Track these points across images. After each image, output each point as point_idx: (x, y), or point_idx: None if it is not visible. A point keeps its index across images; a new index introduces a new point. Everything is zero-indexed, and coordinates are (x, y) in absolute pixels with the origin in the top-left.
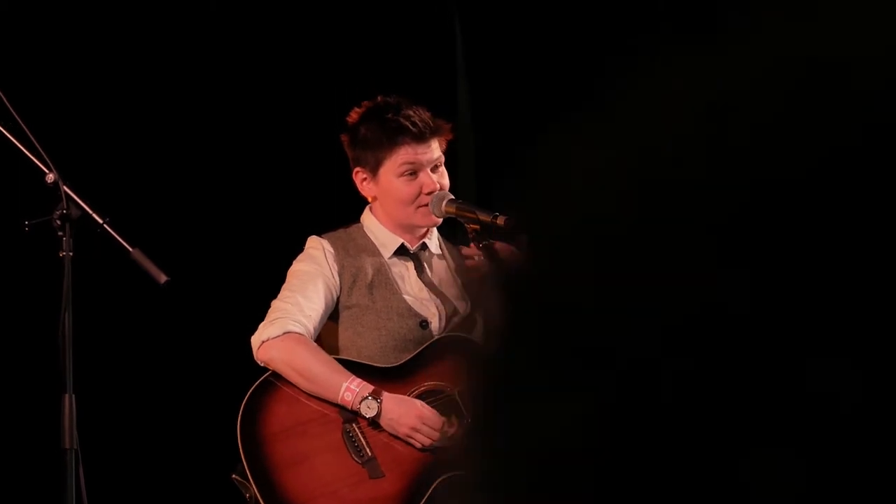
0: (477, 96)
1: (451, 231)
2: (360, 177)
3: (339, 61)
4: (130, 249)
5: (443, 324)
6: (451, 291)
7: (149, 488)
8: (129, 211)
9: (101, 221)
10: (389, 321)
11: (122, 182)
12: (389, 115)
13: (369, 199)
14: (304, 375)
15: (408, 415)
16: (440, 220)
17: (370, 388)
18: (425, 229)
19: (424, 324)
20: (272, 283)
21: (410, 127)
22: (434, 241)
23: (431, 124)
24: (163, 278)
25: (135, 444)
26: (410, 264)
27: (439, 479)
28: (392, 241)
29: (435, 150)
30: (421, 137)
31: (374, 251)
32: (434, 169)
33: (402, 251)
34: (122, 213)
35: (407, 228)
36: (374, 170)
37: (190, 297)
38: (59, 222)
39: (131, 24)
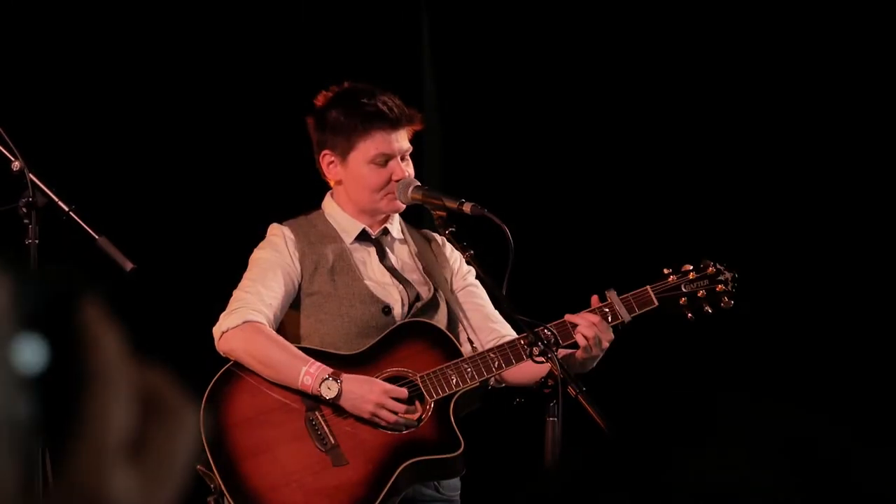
0: (444, 83)
1: (417, 218)
2: (326, 160)
3: (305, 50)
4: (97, 237)
5: (405, 309)
6: (413, 276)
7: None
8: (96, 199)
9: (66, 209)
10: (352, 308)
11: (89, 170)
12: (364, 100)
13: (332, 184)
14: (264, 363)
15: (371, 391)
16: (404, 206)
17: (329, 370)
18: (386, 214)
19: (387, 309)
20: (237, 271)
21: (387, 113)
22: (396, 226)
23: (406, 112)
24: (129, 266)
25: None
26: (372, 249)
27: (403, 465)
28: (353, 226)
29: (405, 139)
30: (396, 125)
31: (336, 237)
32: (402, 158)
33: (363, 236)
34: (88, 202)
35: (369, 213)
36: (343, 154)
37: (157, 285)
38: (24, 210)
39: (93, 12)
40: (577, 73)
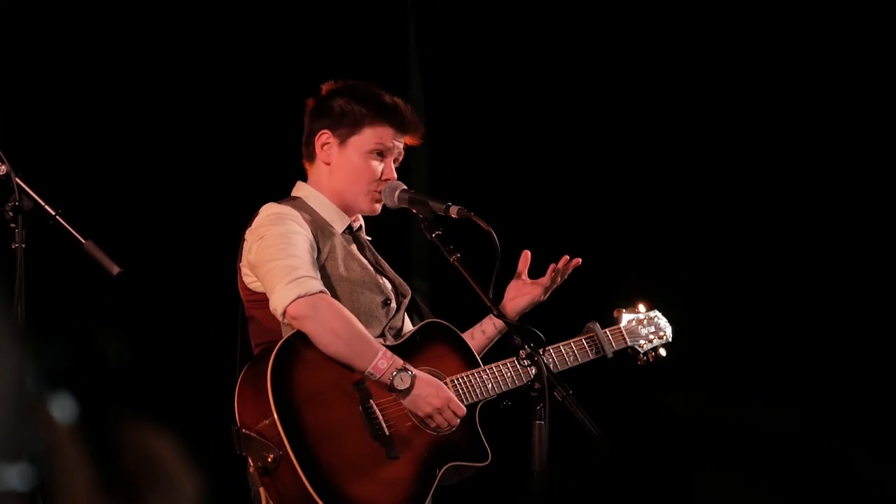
0: (430, 85)
1: (405, 220)
2: (322, 139)
3: (291, 53)
4: (83, 241)
5: (394, 304)
6: (390, 273)
7: (107, 479)
8: (82, 202)
9: (53, 213)
10: (362, 294)
11: (75, 174)
12: (384, 95)
13: (323, 164)
14: (341, 336)
15: (437, 395)
16: (379, 209)
17: (401, 361)
18: (361, 213)
19: (387, 301)
20: (223, 272)
21: (403, 114)
22: (364, 224)
23: (416, 123)
24: (115, 269)
25: (89, 436)
26: (354, 245)
27: (446, 466)
28: (341, 218)
29: (402, 145)
30: (404, 128)
31: (329, 225)
32: (395, 161)
33: (347, 229)
34: (74, 206)
35: (345, 207)
36: (344, 137)
37: (142, 287)
38: (11, 214)
39: (77, 17)
40: (564, 78)
